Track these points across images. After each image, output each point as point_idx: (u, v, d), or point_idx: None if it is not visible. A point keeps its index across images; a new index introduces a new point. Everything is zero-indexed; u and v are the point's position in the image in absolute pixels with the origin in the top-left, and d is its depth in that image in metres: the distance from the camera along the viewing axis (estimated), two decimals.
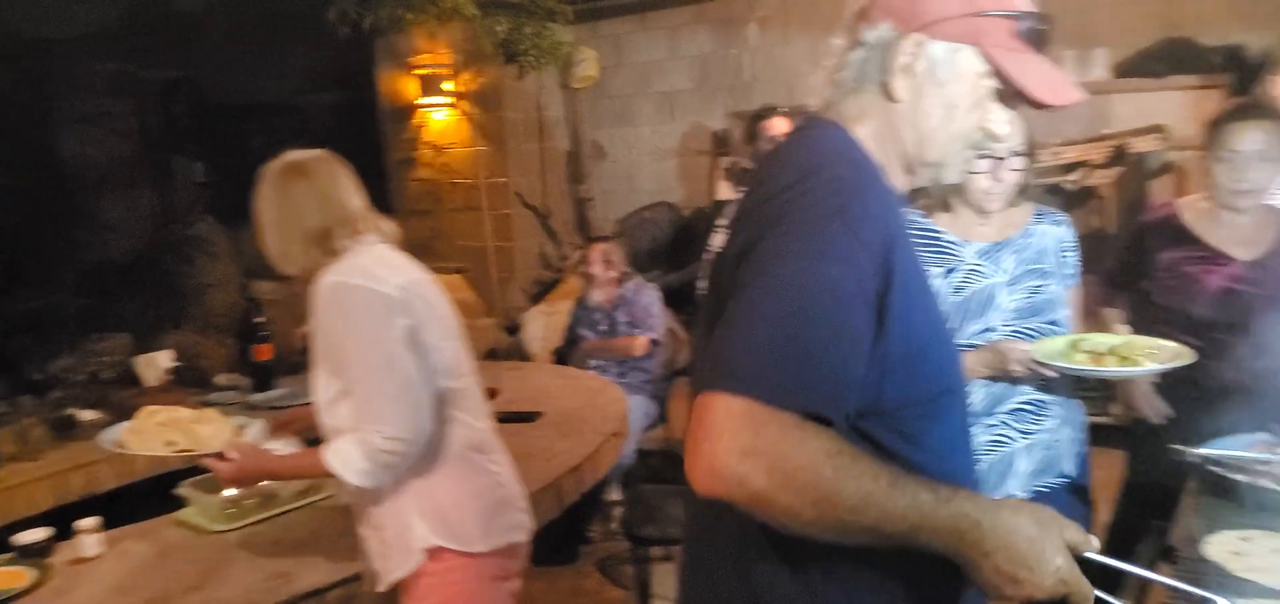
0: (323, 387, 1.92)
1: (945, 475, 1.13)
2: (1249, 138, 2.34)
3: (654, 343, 4.45)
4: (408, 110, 6.29)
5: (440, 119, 6.21)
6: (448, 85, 6.08)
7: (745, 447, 0.98)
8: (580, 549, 4.18)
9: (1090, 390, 2.15)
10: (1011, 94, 1.21)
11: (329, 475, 1.86)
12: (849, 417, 1.10)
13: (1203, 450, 1.61)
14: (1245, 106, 2.47)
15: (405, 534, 1.92)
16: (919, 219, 2.11)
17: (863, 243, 1.08)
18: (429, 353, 1.90)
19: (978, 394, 2.02)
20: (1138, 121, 4.91)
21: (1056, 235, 2.12)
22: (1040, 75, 1.19)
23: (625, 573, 3.67)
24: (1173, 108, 4.92)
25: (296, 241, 1.92)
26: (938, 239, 2.08)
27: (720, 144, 6.01)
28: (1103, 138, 4.91)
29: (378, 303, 1.83)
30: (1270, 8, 4.78)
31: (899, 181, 1.26)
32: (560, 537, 4.04)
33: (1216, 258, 2.44)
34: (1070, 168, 4.90)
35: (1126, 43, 5.13)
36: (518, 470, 2.16)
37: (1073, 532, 1.08)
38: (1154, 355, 1.94)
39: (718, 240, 1.23)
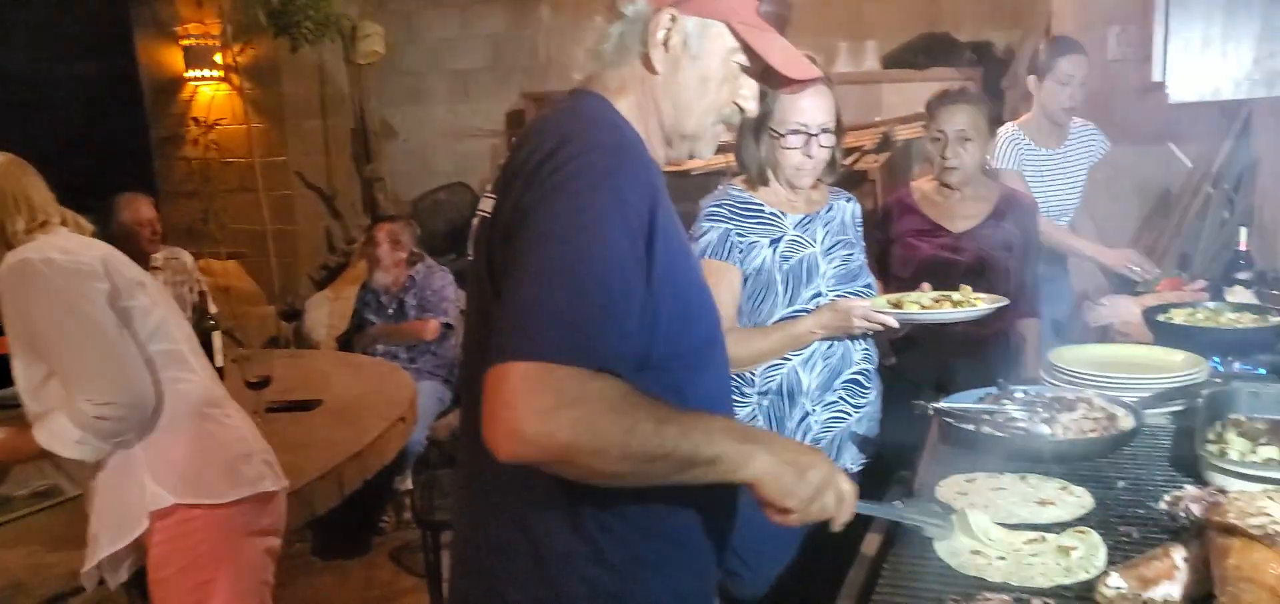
0: (22, 374, 1.84)
1: None
2: (956, 119, 2.63)
3: (447, 327, 4.35)
4: (173, 84, 5.83)
5: (210, 93, 5.79)
6: (218, 57, 5.68)
7: (546, 406, 1.01)
8: (372, 540, 4.04)
9: None
10: (759, 70, 1.30)
11: (43, 455, 1.82)
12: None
13: (938, 405, 1.76)
14: (953, 91, 2.75)
15: (137, 499, 1.86)
16: (741, 194, 2.20)
17: (629, 203, 1.13)
18: (135, 316, 1.87)
19: (817, 369, 2.14)
20: (903, 110, 5.30)
21: (851, 211, 2.29)
22: (783, 53, 1.29)
23: (419, 561, 3.58)
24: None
25: None
26: (761, 211, 2.17)
27: (516, 125, 5.96)
28: (873, 125, 5.25)
29: (71, 273, 1.79)
30: (1014, 10, 5.30)
31: (658, 153, 1.31)
32: (350, 528, 3.90)
33: (933, 230, 2.70)
34: (845, 153, 5.21)
35: (893, 37, 5.53)
36: (294, 460, 2.11)
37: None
38: (981, 300, 2.13)
39: (486, 206, 1.25)
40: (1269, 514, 1.05)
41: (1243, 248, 2.99)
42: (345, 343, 4.62)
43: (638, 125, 1.28)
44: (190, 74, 5.73)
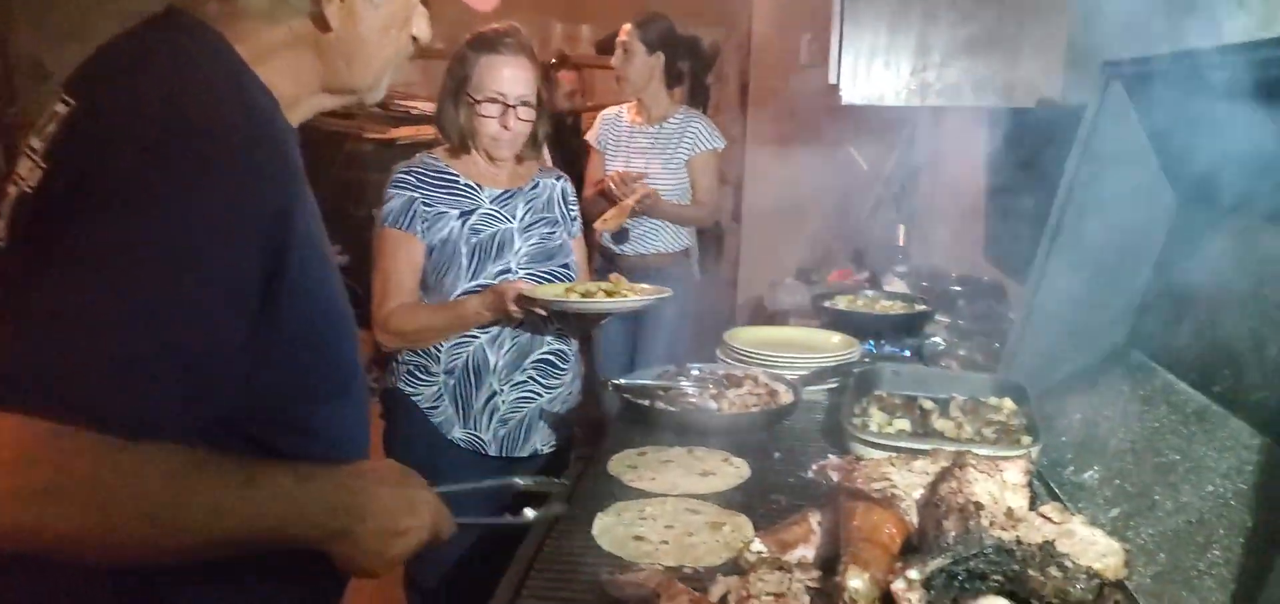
0: None
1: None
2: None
3: None
4: None
5: None
6: None
7: (44, 486, 0.79)
8: None
9: None
10: None
11: None
12: (223, 418, 0.94)
13: (618, 381, 1.77)
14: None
15: None
16: (436, 163, 2.11)
17: (248, 215, 0.92)
18: None
19: (506, 348, 2.07)
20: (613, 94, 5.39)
21: (560, 188, 2.24)
22: None
23: None
24: None
25: None
26: (455, 182, 2.10)
27: None
28: (586, 109, 5.30)
29: None
30: (720, 9, 5.56)
31: (298, 112, 1.10)
32: None
33: None
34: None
35: (608, 23, 5.60)
36: None
37: (417, 475, 1.12)
38: (637, 291, 2.11)
39: (26, 168, 0.95)
40: (889, 479, 1.11)
41: (900, 243, 3.32)
42: None
43: (286, 85, 1.05)
44: None
